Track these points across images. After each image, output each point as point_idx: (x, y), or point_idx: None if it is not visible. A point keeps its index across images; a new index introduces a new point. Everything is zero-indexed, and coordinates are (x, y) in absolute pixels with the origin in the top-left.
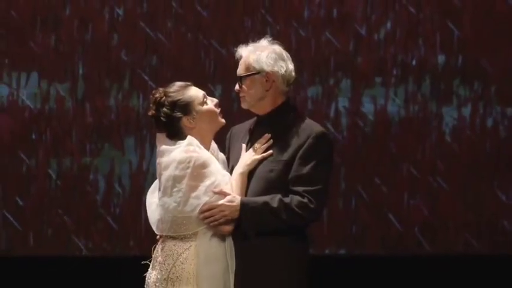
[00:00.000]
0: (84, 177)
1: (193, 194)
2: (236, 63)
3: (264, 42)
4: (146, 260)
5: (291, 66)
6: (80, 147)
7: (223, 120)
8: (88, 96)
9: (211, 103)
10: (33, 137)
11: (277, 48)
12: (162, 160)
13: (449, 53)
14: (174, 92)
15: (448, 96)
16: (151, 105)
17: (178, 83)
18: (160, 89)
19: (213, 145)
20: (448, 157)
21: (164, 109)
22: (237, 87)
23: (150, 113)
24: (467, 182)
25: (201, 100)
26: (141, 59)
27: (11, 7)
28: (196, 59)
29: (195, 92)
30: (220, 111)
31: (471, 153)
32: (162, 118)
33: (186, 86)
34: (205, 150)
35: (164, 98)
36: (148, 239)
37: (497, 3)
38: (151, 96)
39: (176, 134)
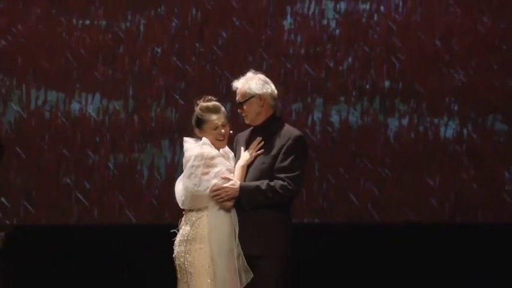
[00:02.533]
0: (133, 168)
1: (205, 178)
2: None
3: (250, 74)
4: (177, 228)
5: (273, 86)
6: (130, 147)
7: (219, 146)
8: (136, 110)
9: (217, 132)
10: (97, 139)
11: (261, 75)
12: (186, 155)
13: (393, 80)
14: (202, 109)
15: (392, 110)
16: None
17: (213, 104)
18: (199, 102)
19: (226, 148)
20: (391, 154)
21: (193, 116)
22: (239, 110)
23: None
24: (405, 172)
25: (213, 126)
26: (173, 84)
27: (81, 46)
28: (213, 84)
29: (214, 118)
30: (221, 138)
31: (408, 151)
32: (194, 121)
33: (214, 110)
34: (214, 148)
35: (196, 106)
36: (179, 212)
37: (426, 45)
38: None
39: (198, 135)
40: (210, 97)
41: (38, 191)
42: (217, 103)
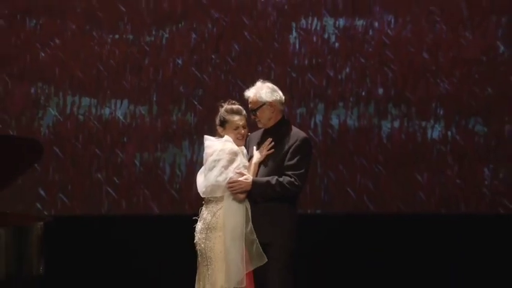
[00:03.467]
0: (156, 165)
1: (225, 171)
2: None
3: (259, 83)
4: (195, 217)
5: (281, 93)
6: (154, 146)
7: (238, 144)
8: (159, 114)
9: (237, 132)
10: (125, 140)
11: (269, 84)
12: (209, 151)
13: (386, 87)
14: (226, 110)
15: (385, 114)
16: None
17: (236, 107)
18: (224, 104)
19: (242, 147)
20: (385, 153)
21: (217, 117)
22: (253, 116)
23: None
24: (397, 169)
25: (233, 126)
26: (192, 91)
27: (111, 58)
28: (227, 91)
29: (236, 119)
30: (241, 137)
31: (399, 150)
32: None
33: (237, 112)
34: (234, 145)
35: (220, 108)
36: (197, 204)
37: (415, 57)
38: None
39: (217, 133)
40: (234, 101)
41: (73, 185)
42: (240, 106)
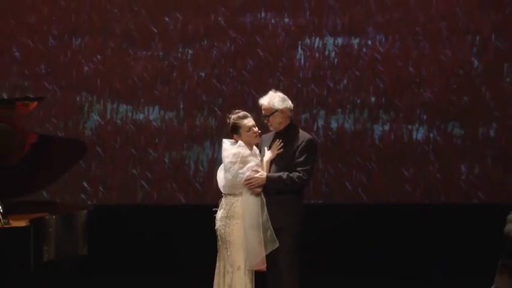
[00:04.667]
0: (183, 162)
1: (241, 171)
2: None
3: (271, 92)
4: (215, 207)
5: (290, 101)
6: (180, 146)
7: (256, 141)
8: (185, 119)
9: (252, 132)
10: (156, 140)
11: (280, 93)
12: (225, 154)
13: (377, 96)
14: (236, 118)
15: (376, 119)
16: (227, 121)
17: (243, 113)
18: (229, 115)
19: (254, 147)
20: (376, 152)
21: (229, 126)
22: (265, 121)
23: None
24: (387, 166)
25: (246, 128)
26: (213, 99)
27: (144, 71)
28: (243, 99)
29: (246, 122)
30: (256, 134)
31: (389, 150)
32: (229, 129)
33: (244, 117)
34: (247, 149)
35: (229, 119)
36: (217, 195)
37: (402, 71)
38: (228, 115)
39: (234, 139)
40: (237, 110)
41: (112, 179)
42: (244, 112)
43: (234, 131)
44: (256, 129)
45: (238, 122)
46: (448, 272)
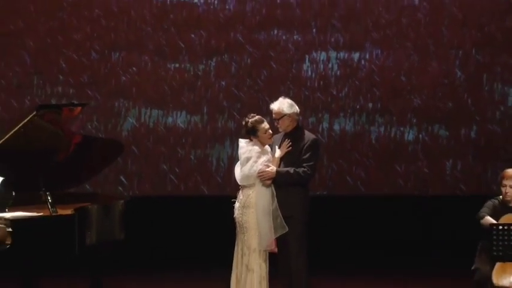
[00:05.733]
0: (206, 159)
1: (255, 165)
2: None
3: (281, 98)
4: (234, 199)
5: (297, 107)
6: (204, 145)
7: (269, 142)
8: (208, 121)
9: (268, 134)
10: (183, 140)
11: (288, 100)
12: (241, 151)
13: (374, 102)
14: (253, 122)
15: (373, 122)
16: (244, 122)
17: (260, 117)
18: (248, 118)
19: (267, 146)
20: (373, 150)
21: (247, 127)
22: (275, 124)
23: (244, 127)
24: (382, 162)
25: (263, 131)
26: (232, 105)
27: (173, 81)
28: (258, 105)
29: (263, 126)
30: (270, 136)
31: (384, 148)
32: (245, 130)
33: (261, 121)
34: (261, 147)
35: (248, 122)
36: (235, 188)
37: (395, 80)
38: (245, 119)
39: (249, 138)
40: (253, 114)
41: (145, 174)
42: (260, 116)
43: (251, 132)
44: (270, 131)
45: (256, 125)
46: (433, 254)
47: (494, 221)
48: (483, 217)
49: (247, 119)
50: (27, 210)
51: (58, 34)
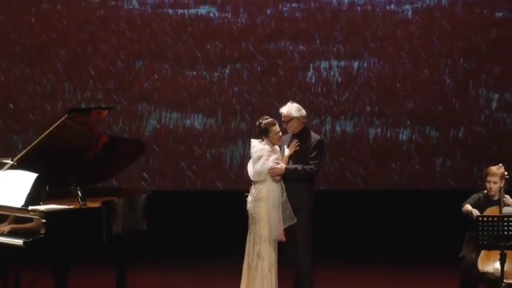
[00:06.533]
0: (221, 157)
1: (266, 162)
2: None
3: (289, 103)
4: (246, 193)
5: (304, 110)
6: (219, 145)
7: (279, 143)
8: (222, 123)
9: (278, 136)
10: (200, 140)
11: (296, 104)
12: (253, 150)
13: (371, 106)
14: (266, 124)
15: (371, 124)
16: (257, 123)
17: (272, 120)
18: (261, 120)
19: (276, 146)
20: (371, 149)
21: (260, 128)
22: (284, 125)
23: (257, 127)
24: (379, 160)
25: (275, 132)
26: (244, 108)
27: (191, 87)
28: (267, 109)
29: (275, 128)
30: (280, 138)
31: (381, 148)
32: (258, 131)
33: (273, 124)
34: (271, 147)
35: (261, 123)
36: (248, 183)
37: (390, 86)
38: (259, 120)
39: (261, 138)
40: (266, 116)
41: (166, 170)
42: (272, 118)
43: (264, 133)
44: (280, 134)
45: (269, 127)
46: (425, 243)
47: (472, 209)
48: (463, 205)
49: (261, 120)
50: (59, 203)
51: (87, 45)
